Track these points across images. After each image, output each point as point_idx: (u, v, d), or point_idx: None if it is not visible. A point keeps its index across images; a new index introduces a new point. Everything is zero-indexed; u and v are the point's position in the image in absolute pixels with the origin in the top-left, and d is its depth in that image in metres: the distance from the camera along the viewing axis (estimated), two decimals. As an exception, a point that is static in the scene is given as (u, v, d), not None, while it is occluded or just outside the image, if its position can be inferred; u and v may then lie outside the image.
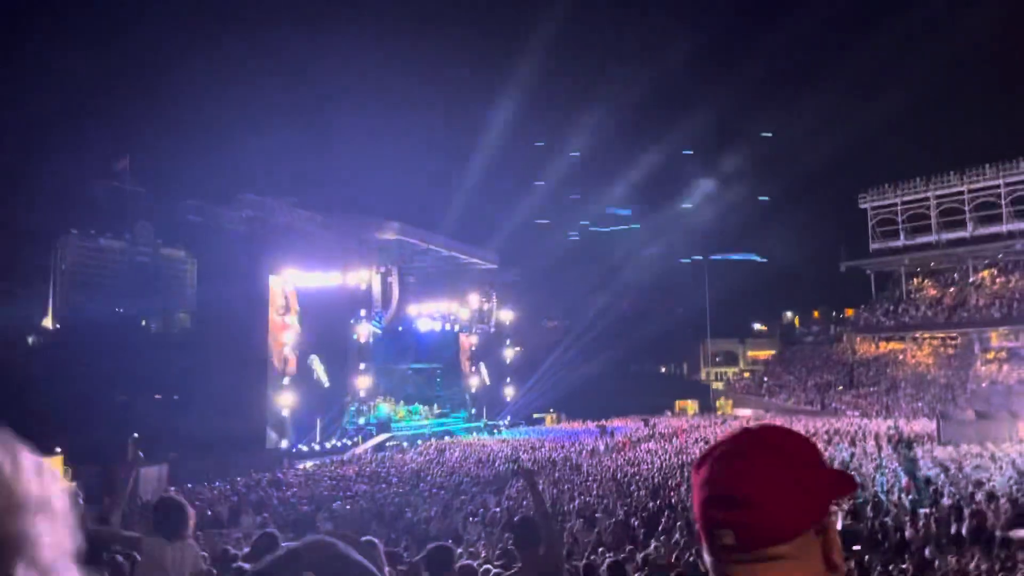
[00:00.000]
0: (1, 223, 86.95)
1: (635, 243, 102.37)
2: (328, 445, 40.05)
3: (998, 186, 62.66)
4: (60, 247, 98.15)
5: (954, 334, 64.80)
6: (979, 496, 18.52)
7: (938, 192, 66.07)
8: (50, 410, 42.14)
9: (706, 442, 36.19)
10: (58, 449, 38.34)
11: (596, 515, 17.46)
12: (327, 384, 42.37)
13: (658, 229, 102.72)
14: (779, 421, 49.19)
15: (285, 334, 39.37)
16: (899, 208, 68.27)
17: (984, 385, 55.64)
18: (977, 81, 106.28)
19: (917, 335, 67.10)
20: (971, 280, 66.32)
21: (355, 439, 42.12)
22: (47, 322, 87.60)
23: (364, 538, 5.11)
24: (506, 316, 60.81)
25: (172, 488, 26.58)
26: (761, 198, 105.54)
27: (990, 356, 60.60)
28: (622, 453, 33.45)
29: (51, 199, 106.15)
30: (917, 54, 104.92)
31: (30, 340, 72.93)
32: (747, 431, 1.36)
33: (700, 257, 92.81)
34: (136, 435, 41.14)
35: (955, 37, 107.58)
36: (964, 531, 14.79)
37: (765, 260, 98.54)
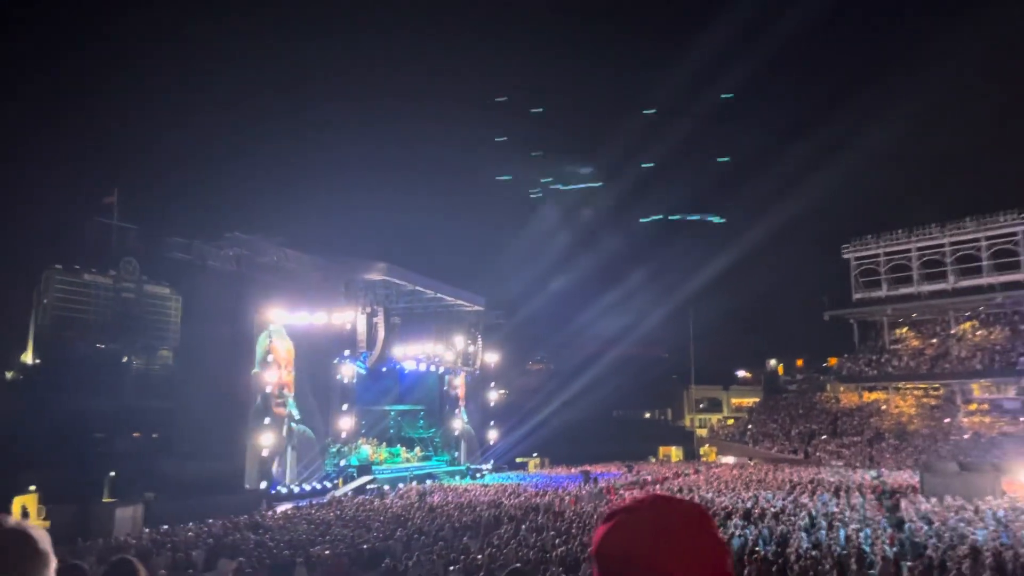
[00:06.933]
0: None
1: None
2: (307, 488, 39.53)
3: (979, 239, 63.60)
4: (44, 281, 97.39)
5: (936, 385, 65.10)
6: (963, 550, 18.46)
7: (920, 244, 66.97)
8: (26, 447, 41.44)
9: (690, 490, 35.99)
10: (32, 487, 37.66)
11: (580, 563, 17.25)
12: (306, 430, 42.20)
13: (645, 278, 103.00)
14: (764, 469, 49.07)
15: (268, 374, 39.12)
16: (881, 259, 69.07)
17: (967, 437, 55.74)
18: (960, 135, 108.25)
19: (900, 385, 67.38)
20: (952, 332, 66.88)
21: (335, 481, 41.61)
22: (27, 357, 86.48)
23: None
24: (491, 358, 60.61)
25: (147, 530, 26.07)
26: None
27: (972, 408, 60.84)
28: (605, 500, 33.14)
29: (36, 233, 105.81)
30: (903, 106, 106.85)
31: (8, 375, 71.94)
32: (664, 500, 1.37)
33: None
34: (112, 473, 40.59)
35: (940, 90, 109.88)
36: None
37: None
